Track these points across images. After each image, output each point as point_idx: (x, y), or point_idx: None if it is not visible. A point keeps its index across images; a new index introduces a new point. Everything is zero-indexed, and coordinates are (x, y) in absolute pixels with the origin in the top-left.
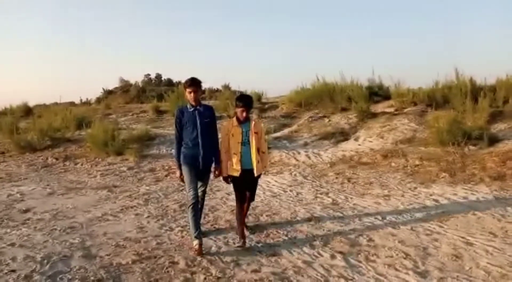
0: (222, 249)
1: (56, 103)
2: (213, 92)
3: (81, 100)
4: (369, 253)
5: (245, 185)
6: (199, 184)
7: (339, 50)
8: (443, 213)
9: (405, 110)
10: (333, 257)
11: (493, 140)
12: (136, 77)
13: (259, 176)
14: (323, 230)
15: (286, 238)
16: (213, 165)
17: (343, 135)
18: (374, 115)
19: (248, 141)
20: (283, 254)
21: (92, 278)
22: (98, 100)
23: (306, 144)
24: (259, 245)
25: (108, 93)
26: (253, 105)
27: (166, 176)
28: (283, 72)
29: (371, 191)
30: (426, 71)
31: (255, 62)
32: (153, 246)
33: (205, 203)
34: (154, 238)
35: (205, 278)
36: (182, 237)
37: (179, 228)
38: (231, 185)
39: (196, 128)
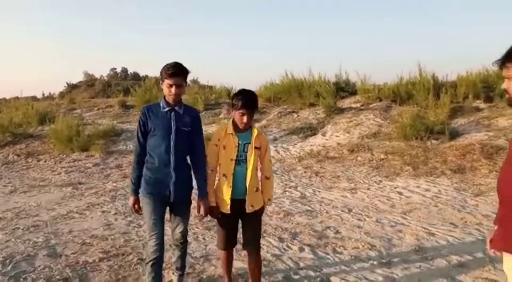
0: None
1: (17, 98)
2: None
3: (43, 94)
4: (336, 245)
5: (236, 225)
6: (176, 223)
7: (307, 46)
8: (406, 205)
9: (371, 105)
10: (301, 249)
11: (454, 134)
12: (101, 71)
13: (258, 213)
14: (292, 223)
15: None
16: (193, 196)
17: (311, 130)
18: (341, 110)
19: (246, 158)
20: None
21: (57, 277)
22: (62, 94)
23: (275, 139)
24: None
25: (72, 87)
26: (257, 106)
27: None
28: (252, 68)
29: (338, 185)
30: (391, 68)
31: (224, 58)
32: (121, 243)
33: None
34: (121, 235)
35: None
36: None
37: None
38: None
39: (169, 139)
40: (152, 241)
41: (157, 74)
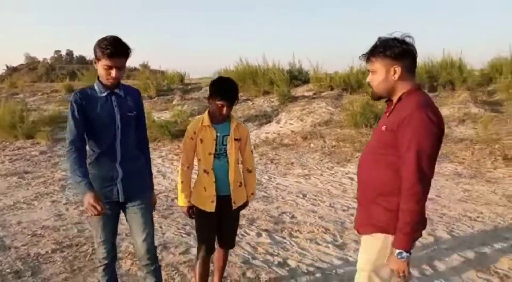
0: None
1: None
2: (131, 71)
3: None
4: (292, 229)
5: (219, 223)
6: (136, 233)
7: (263, 33)
8: (346, 190)
9: (323, 94)
10: (259, 235)
11: None
12: (44, 54)
13: (241, 208)
14: (249, 209)
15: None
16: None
17: (266, 118)
18: (295, 98)
19: (226, 151)
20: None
21: (8, 270)
22: (1, 78)
23: None
24: (186, 226)
25: (13, 70)
26: (238, 97)
27: None
28: (207, 54)
29: (292, 171)
30: (342, 57)
31: (177, 43)
32: (74, 233)
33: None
34: (74, 225)
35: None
36: None
37: None
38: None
39: (114, 128)
40: (101, 247)
41: None
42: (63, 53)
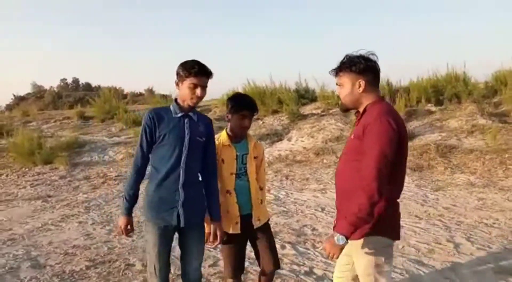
0: None
1: None
2: (136, 96)
3: None
4: (314, 241)
5: (253, 244)
6: (187, 258)
7: (266, 53)
8: None
9: (331, 111)
10: (283, 247)
11: (411, 136)
12: (51, 82)
13: (267, 226)
14: (271, 223)
15: None
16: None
17: (277, 136)
18: (304, 116)
19: (245, 170)
20: None
21: None
22: (9, 107)
23: None
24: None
25: (20, 99)
26: (258, 110)
27: (103, 183)
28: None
29: (308, 186)
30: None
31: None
32: (105, 251)
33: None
34: (103, 244)
35: None
36: (133, 240)
37: None
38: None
39: (180, 150)
40: (154, 279)
41: (111, 84)
42: (69, 81)
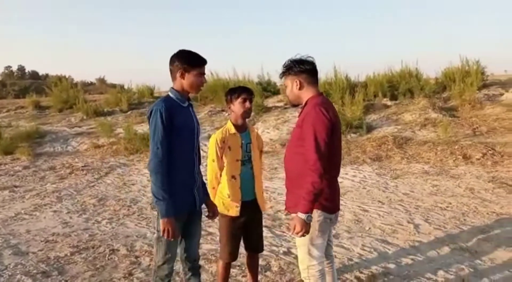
0: None
1: None
2: (87, 85)
3: None
4: (289, 224)
5: (245, 228)
6: (191, 239)
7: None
8: (340, 189)
9: None
10: None
11: (369, 128)
12: None
13: (261, 214)
14: None
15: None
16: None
17: None
18: (268, 109)
19: (250, 158)
20: (217, 233)
21: (34, 271)
22: None
23: (210, 136)
24: None
25: None
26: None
27: (70, 173)
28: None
29: (277, 175)
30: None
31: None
32: (87, 238)
33: None
34: (83, 231)
35: (150, 259)
36: (113, 228)
37: (106, 220)
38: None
39: (193, 138)
40: (166, 265)
41: (60, 72)
42: (14, 68)
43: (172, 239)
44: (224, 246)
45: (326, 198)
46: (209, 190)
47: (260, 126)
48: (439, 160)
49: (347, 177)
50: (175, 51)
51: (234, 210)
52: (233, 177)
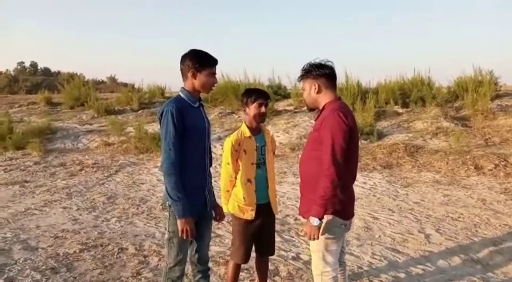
0: None
1: None
2: (98, 84)
3: None
4: (298, 229)
5: (259, 231)
6: (202, 241)
7: (240, 48)
8: None
9: (304, 108)
10: None
11: (380, 135)
12: (6, 65)
13: (274, 218)
14: None
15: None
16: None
17: None
18: (278, 112)
19: (264, 160)
20: (226, 235)
21: (43, 267)
22: None
23: (219, 138)
24: None
25: None
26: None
27: (80, 170)
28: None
29: (286, 179)
30: None
31: (153, 58)
32: (96, 235)
33: None
34: (92, 229)
35: (159, 260)
36: (122, 226)
37: (115, 219)
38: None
39: (204, 139)
40: (178, 267)
41: (72, 70)
42: (27, 64)
43: (190, 239)
44: (238, 248)
45: (341, 204)
46: (223, 193)
47: (270, 129)
48: (451, 169)
49: (357, 184)
50: (186, 50)
51: (249, 214)
52: (248, 180)
